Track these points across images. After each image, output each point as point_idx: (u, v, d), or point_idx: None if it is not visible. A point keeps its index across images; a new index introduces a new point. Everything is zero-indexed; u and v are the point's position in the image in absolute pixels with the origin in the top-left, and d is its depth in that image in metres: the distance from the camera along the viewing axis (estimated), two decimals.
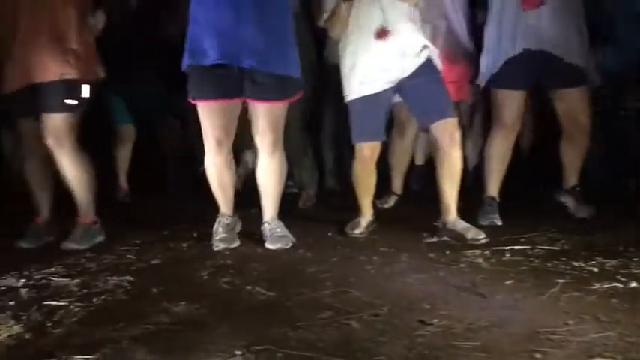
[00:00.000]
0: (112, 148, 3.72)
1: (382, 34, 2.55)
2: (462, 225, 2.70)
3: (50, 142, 2.50)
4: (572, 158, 3.09)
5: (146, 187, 3.78)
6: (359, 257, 2.46)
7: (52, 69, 2.45)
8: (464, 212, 2.82)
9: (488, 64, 2.98)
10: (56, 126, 2.49)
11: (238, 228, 2.69)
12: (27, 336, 1.68)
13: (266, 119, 2.52)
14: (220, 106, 2.48)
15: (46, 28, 2.44)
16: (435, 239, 2.70)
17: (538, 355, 1.58)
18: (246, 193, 3.26)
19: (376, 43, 2.55)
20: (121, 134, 3.72)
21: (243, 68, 2.44)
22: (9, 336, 1.68)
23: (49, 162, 2.61)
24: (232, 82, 2.46)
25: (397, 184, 3.51)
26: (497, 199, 3.08)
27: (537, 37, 2.86)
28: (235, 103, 2.53)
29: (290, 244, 2.58)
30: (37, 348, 1.60)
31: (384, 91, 2.63)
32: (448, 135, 2.62)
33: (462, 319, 1.81)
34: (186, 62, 2.47)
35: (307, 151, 3.49)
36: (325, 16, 2.64)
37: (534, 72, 2.93)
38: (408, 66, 2.60)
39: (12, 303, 1.93)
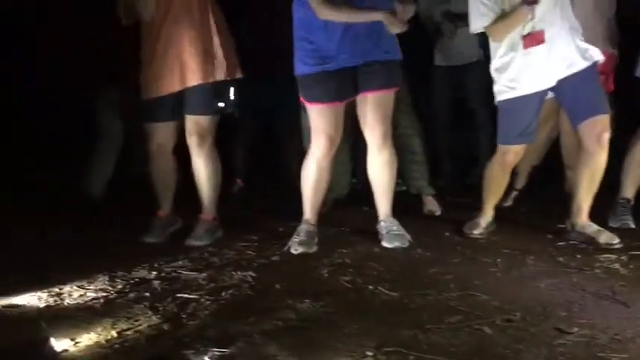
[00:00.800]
0: (233, 141, 3.79)
1: (533, 39, 2.43)
2: (592, 228, 2.53)
3: (194, 141, 2.62)
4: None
5: (261, 183, 3.85)
6: (482, 259, 2.37)
7: (200, 73, 2.56)
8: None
9: None
10: (202, 126, 2.61)
11: (316, 240, 2.56)
12: (165, 327, 1.74)
13: (375, 111, 2.49)
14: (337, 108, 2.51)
15: (187, 33, 2.54)
16: (562, 243, 2.55)
17: None
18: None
19: (527, 48, 2.44)
20: (244, 128, 3.78)
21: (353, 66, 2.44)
22: (148, 326, 1.75)
23: (174, 160, 2.73)
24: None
25: (520, 180, 3.31)
26: (632, 201, 2.87)
27: None
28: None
29: (407, 244, 2.53)
30: (176, 339, 1.65)
31: (535, 93, 2.51)
32: (595, 135, 2.45)
33: (605, 328, 1.69)
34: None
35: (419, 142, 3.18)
36: (487, 21, 2.51)
37: None
38: (561, 71, 2.45)
39: (147, 294, 2.01)
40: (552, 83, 2.48)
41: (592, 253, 2.40)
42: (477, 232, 2.71)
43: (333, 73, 2.44)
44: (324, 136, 2.50)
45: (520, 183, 3.29)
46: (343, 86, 2.47)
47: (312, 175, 2.55)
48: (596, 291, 1.99)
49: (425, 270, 2.26)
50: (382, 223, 2.59)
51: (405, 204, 3.21)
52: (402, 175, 3.16)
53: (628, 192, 2.90)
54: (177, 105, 2.63)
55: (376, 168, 2.58)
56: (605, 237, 2.48)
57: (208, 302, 1.91)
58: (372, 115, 2.51)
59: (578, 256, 2.38)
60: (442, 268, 2.26)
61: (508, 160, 2.61)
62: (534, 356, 1.56)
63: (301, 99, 2.56)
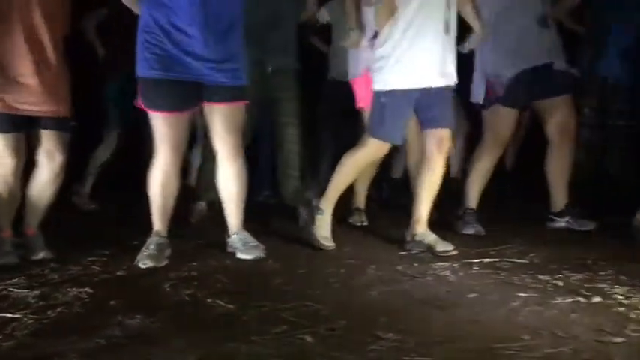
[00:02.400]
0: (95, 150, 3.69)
1: None
2: (431, 237, 2.69)
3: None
4: (559, 174, 3.07)
5: (117, 195, 3.76)
6: (326, 270, 2.45)
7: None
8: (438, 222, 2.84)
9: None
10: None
11: (167, 253, 2.52)
12: None
13: (226, 122, 2.52)
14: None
15: None
16: (405, 252, 2.69)
17: None
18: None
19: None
20: (109, 139, 3.68)
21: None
22: None
23: None
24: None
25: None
26: (476, 211, 3.09)
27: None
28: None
29: (263, 255, 2.56)
30: None
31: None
32: (436, 144, 2.63)
33: (418, 333, 1.80)
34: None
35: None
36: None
37: (532, 87, 2.97)
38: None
39: None
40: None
41: (429, 262, 2.55)
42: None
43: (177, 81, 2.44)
44: (168, 146, 2.48)
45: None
46: (188, 95, 2.48)
47: (158, 185, 2.52)
48: (422, 298, 2.13)
49: (269, 281, 2.31)
50: (235, 236, 2.61)
51: (273, 213, 3.29)
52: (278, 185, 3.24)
53: (472, 203, 3.12)
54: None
55: (226, 180, 2.60)
56: (442, 245, 2.65)
57: (31, 321, 1.85)
58: (222, 126, 2.53)
59: (416, 264, 2.52)
60: (285, 279, 2.32)
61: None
62: None
63: (142, 106, 2.51)
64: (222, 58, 2.45)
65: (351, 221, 3.25)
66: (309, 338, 1.76)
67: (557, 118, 3.02)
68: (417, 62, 2.56)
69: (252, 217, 2.81)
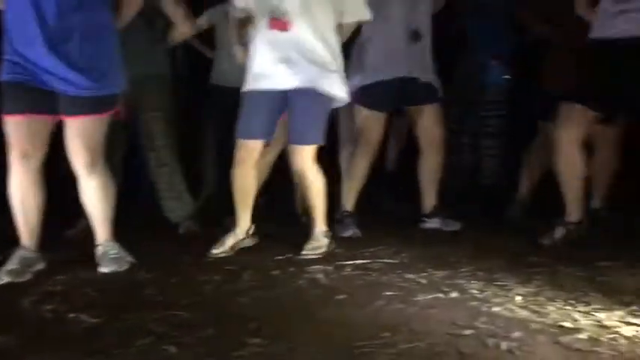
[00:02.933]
0: None
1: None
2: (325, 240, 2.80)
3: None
4: (427, 177, 3.24)
5: None
6: (200, 277, 2.43)
7: None
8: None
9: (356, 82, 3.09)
10: None
11: (36, 268, 2.42)
12: None
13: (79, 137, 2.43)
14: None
15: None
16: (281, 257, 2.72)
17: None
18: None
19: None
20: None
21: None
22: None
23: None
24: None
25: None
26: (353, 213, 3.19)
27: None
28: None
29: (126, 266, 2.50)
30: None
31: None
32: (299, 162, 2.73)
33: (284, 338, 1.83)
34: None
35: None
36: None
37: (396, 94, 3.11)
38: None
39: None
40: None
41: (304, 265, 2.61)
42: (217, 251, 2.74)
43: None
44: (16, 152, 2.38)
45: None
46: (38, 100, 2.37)
47: (15, 197, 2.41)
48: (292, 302, 2.17)
49: (139, 292, 2.26)
50: (100, 247, 2.53)
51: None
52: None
53: (349, 205, 3.22)
54: None
55: (88, 195, 2.50)
56: (309, 247, 2.74)
57: None
58: (76, 141, 2.43)
59: (291, 269, 2.56)
60: (157, 290, 2.28)
61: (240, 157, 2.71)
62: None
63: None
64: (75, 68, 2.35)
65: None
66: (173, 349, 1.75)
67: (423, 124, 3.19)
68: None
69: (136, 224, 2.75)
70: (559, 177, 2.82)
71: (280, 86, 2.68)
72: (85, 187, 2.49)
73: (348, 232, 3.13)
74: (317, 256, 2.69)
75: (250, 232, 2.85)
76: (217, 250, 2.75)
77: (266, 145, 2.82)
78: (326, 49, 2.68)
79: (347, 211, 3.21)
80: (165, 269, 2.53)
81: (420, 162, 3.26)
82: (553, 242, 2.81)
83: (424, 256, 2.72)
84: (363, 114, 3.15)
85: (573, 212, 2.82)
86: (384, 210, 3.73)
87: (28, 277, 2.37)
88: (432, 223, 3.27)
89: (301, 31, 2.64)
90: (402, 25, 3.07)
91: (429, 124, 3.18)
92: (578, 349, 1.72)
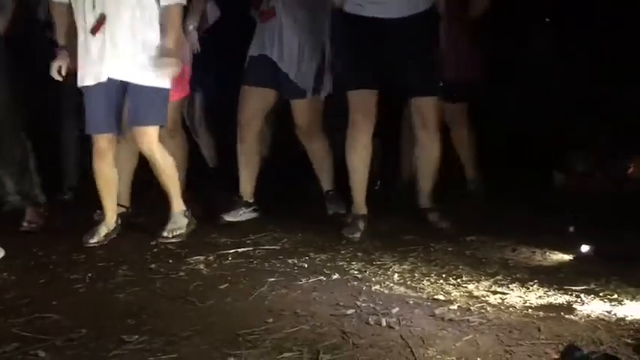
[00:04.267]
0: None
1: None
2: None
3: None
4: (316, 162, 3.23)
5: None
6: (71, 276, 2.28)
7: None
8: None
9: None
10: None
11: None
12: None
13: None
14: None
15: None
16: (157, 249, 2.62)
17: (232, 359, 1.61)
18: None
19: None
20: None
21: None
22: None
23: None
24: None
25: None
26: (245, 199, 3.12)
27: None
28: None
29: None
30: None
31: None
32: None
33: (165, 332, 1.77)
34: None
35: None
36: None
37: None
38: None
39: None
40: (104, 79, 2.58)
41: (184, 257, 2.53)
42: (93, 240, 2.63)
43: None
44: None
45: None
46: None
47: None
48: (172, 294, 2.10)
49: (1, 296, 2.07)
50: None
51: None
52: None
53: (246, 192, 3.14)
54: None
55: None
56: (168, 229, 2.72)
57: None
58: None
59: (170, 260, 2.48)
60: (22, 292, 2.11)
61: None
62: None
63: None
64: None
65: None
66: (42, 353, 1.63)
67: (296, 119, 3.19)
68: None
69: None
70: None
71: None
72: None
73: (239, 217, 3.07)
74: (177, 240, 2.67)
75: (118, 222, 2.76)
76: (93, 240, 2.63)
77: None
78: None
79: (239, 196, 3.13)
80: (30, 270, 2.35)
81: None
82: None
83: (305, 241, 2.74)
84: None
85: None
86: (264, 197, 3.71)
87: None
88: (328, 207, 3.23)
89: None
90: None
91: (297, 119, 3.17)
92: (451, 320, 1.83)
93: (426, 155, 2.91)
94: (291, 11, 3.00)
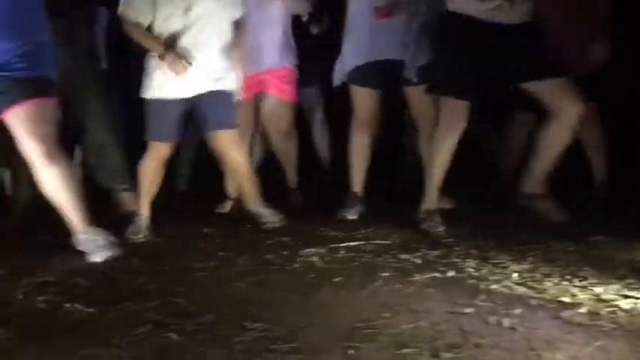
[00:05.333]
0: None
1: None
2: (259, 209, 2.94)
3: None
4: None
5: None
6: (194, 265, 2.40)
7: None
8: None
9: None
10: None
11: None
12: None
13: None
14: None
15: None
16: (271, 241, 2.70)
17: (351, 352, 1.63)
18: None
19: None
20: None
21: None
22: None
23: None
24: None
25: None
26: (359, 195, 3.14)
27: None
28: None
29: (117, 252, 2.45)
30: None
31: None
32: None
33: (284, 321, 1.82)
34: None
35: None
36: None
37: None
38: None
39: None
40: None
41: (298, 249, 2.58)
42: (140, 235, 2.76)
43: None
44: None
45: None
46: None
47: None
48: (288, 285, 2.15)
49: (133, 281, 2.22)
50: (82, 236, 2.44)
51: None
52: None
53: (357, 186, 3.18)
54: None
55: (52, 186, 2.39)
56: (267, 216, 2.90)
57: None
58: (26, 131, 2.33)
59: (285, 252, 2.54)
60: (151, 277, 2.24)
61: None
62: (214, 356, 1.62)
63: None
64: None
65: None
66: (174, 336, 1.73)
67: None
68: None
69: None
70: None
71: None
72: (46, 178, 2.38)
73: (355, 215, 3.09)
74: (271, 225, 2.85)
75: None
76: (138, 236, 2.76)
77: None
78: None
79: (354, 192, 3.15)
80: (158, 257, 2.50)
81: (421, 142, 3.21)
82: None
83: (416, 237, 2.72)
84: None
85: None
86: (377, 190, 3.70)
87: None
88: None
89: None
90: None
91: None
92: (579, 324, 1.74)
93: (559, 133, 2.73)
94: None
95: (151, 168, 2.82)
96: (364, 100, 3.08)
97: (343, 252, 2.54)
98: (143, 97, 2.79)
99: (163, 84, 2.73)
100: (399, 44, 2.94)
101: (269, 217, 2.93)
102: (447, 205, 3.18)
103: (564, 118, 2.70)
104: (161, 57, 2.68)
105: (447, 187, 3.21)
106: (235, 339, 1.71)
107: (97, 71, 3.20)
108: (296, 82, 3.31)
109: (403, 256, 2.43)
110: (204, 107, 2.80)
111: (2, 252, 2.47)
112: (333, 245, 2.62)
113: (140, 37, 2.76)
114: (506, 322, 1.76)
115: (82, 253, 2.46)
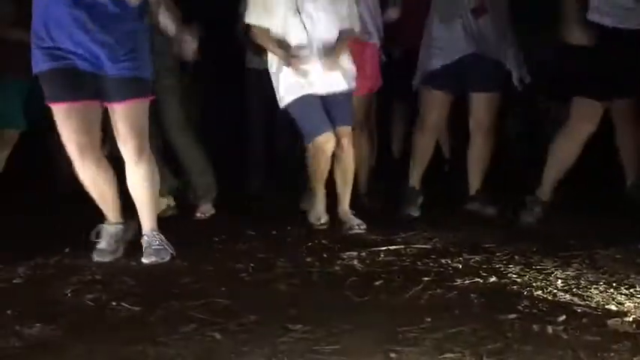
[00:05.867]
0: None
1: None
2: (347, 217, 2.99)
3: None
4: (475, 163, 3.22)
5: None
6: (235, 266, 2.43)
7: None
8: None
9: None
10: None
11: (129, 236, 2.57)
12: None
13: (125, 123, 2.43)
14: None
15: None
16: (311, 243, 2.72)
17: (393, 355, 1.63)
18: None
19: None
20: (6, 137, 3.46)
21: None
22: None
23: None
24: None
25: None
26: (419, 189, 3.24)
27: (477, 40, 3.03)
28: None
29: (168, 257, 2.50)
30: None
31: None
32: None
33: (326, 323, 1.83)
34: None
35: (195, 154, 3.25)
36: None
37: (465, 75, 3.09)
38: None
39: None
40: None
41: (337, 251, 2.60)
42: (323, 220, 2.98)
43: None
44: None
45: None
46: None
47: (84, 180, 2.45)
48: (330, 287, 2.17)
49: (177, 280, 2.26)
50: (145, 238, 2.53)
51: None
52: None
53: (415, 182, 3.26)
54: None
55: (134, 183, 2.50)
56: (352, 223, 2.95)
57: None
58: (123, 127, 2.45)
59: (325, 255, 2.56)
60: (194, 278, 2.28)
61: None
62: (257, 356, 1.64)
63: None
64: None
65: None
66: (218, 335, 1.75)
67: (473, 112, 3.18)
68: None
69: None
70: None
71: None
72: (131, 175, 2.49)
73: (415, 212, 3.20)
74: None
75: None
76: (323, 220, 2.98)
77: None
78: None
79: (412, 187, 3.26)
80: (200, 258, 2.54)
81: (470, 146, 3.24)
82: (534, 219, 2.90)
83: (456, 242, 2.70)
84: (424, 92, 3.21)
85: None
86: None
87: (119, 254, 2.50)
88: (472, 206, 3.23)
89: None
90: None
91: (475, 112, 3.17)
92: (626, 332, 1.70)
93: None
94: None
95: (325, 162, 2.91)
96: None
97: (383, 255, 2.54)
98: (284, 106, 2.91)
99: (295, 84, 2.84)
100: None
101: (354, 222, 2.96)
102: (491, 211, 3.16)
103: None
104: (287, 63, 2.81)
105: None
106: (279, 339, 1.72)
107: None
108: None
109: (444, 261, 2.42)
110: (328, 105, 2.89)
111: (52, 250, 2.55)
112: (373, 249, 2.62)
113: (266, 44, 2.90)
114: (550, 328, 1.73)
115: (128, 254, 2.53)
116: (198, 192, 3.27)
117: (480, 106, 3.14)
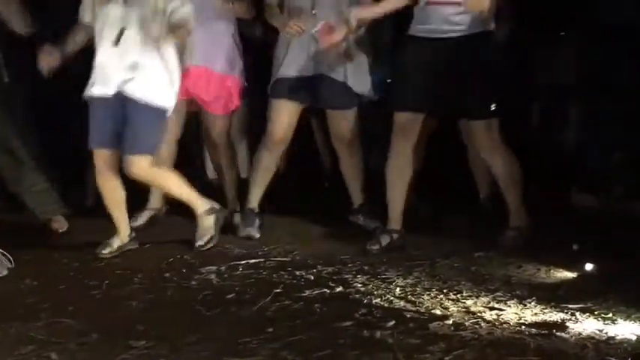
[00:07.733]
0: None
1: None
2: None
3: None
4: (350, 177, 3.28)
5: None
6: (89, 283, 2.41)
7: None
8: None
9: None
10: None
11: None
12: None
13: None
14: None
15: None
16: (172, 259, 2.74)
17: None
18: None
19: None
20: None
21: None
22: None
23: None
24: None
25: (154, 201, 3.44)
26: (257, 211, 3.18)
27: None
28: None
29: (5, 272, 2.42)
30: None
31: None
32: None
33: (171, 338, 1.87)
34: None
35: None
36: None
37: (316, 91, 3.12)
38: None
39: None
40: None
41: (198, 267, 2.62)
42: (106, 251, 2.76)
43: None
44: None
45: (154, 203, 3.39)
46: None
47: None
48: (183, 303, 2.21)
49: (23, 301, 2.21)
50: None
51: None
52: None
53: (253, 202, 3.21)
54: None
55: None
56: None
57: None
58: None
59: (184, 270, 2.58)
60: (42, 297, 2.24)
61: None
62: None
63: None
64: None
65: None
66: (54, 355, 1.75)
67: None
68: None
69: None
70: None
71: None
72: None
73: (245, 232, 3.14)
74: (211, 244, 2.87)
75: (132, 235, 2.87)
76: (105, 251, 2.75)
77: None
78: None
79: (250, 209, 3.17)
80: (52, 276, 2.48)
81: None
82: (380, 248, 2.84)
83: (315, 254, 2.82)
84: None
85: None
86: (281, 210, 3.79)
87: None
88: (355, 219, 3.28)
89: None
90: None
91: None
92: (443, 334, 1.88)
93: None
94: None
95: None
96: None
97: (241, 269, 2.61)
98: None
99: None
100: None
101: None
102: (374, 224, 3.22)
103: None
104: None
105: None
106: (118, 357, 1.75)
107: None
108: None
109: (298, 273, 2.53)
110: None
111: None
112: (233, 263, 2.68)
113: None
114: (378, 334, 1.88)
115: None
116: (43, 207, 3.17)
117: (337, 122, 3.21)
